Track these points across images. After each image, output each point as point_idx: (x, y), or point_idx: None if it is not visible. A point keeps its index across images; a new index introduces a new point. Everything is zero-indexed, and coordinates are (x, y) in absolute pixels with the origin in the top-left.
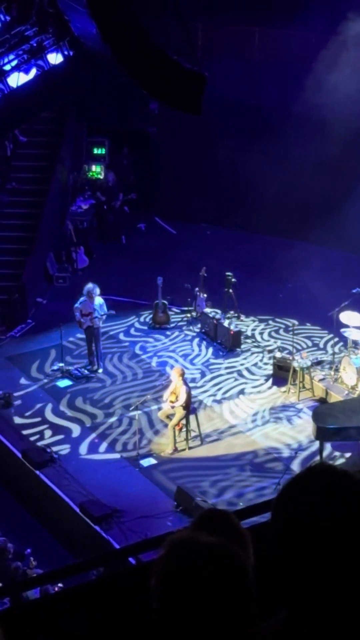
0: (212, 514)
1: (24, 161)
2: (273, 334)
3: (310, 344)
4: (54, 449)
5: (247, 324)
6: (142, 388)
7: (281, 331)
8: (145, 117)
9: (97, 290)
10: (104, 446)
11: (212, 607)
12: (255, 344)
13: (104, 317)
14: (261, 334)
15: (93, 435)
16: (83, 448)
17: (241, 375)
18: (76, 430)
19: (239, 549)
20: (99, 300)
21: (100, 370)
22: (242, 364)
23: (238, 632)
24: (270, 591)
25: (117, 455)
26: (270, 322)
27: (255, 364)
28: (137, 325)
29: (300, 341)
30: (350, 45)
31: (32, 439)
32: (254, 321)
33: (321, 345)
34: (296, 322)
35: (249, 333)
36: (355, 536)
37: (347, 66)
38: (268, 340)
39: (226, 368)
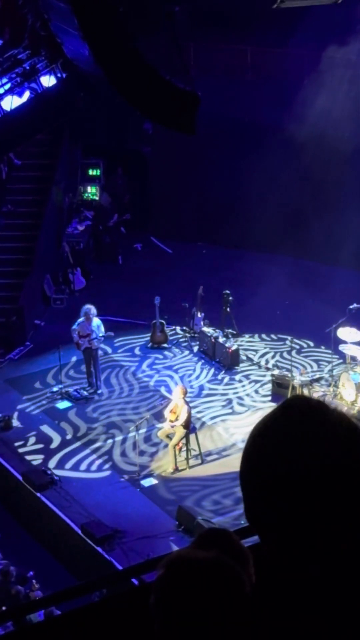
0: (212, 533)
1: (19, 184)
2: (285, 355)
3: (315, 366)
4: (55, 471)
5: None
6: (137, 406)
7: (294, 352)
8: (140, 138)
9: (94, 311)
10: (104, 466)
11: (210, 623)
12: (254, 362)
13: (102, 338)
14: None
15: (93, 456)
16: (82, 466)
17: (231, 403)
18: (75, 448)
19: (236, 564)
20: (96, 321)
21: (100, 391)
22: (236, 392)
23: None
24: (270, 610)
25: (115, 475)
26: (288, 341)
27: (247, 394)
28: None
29: (303, 362)
30: (341, 64)
31: (32, 461)
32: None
33: (326, 371)
34: (291, 338)
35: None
36: (336, 473)
37: (339, 85)
38: (278, 362)
39: (223, 391)
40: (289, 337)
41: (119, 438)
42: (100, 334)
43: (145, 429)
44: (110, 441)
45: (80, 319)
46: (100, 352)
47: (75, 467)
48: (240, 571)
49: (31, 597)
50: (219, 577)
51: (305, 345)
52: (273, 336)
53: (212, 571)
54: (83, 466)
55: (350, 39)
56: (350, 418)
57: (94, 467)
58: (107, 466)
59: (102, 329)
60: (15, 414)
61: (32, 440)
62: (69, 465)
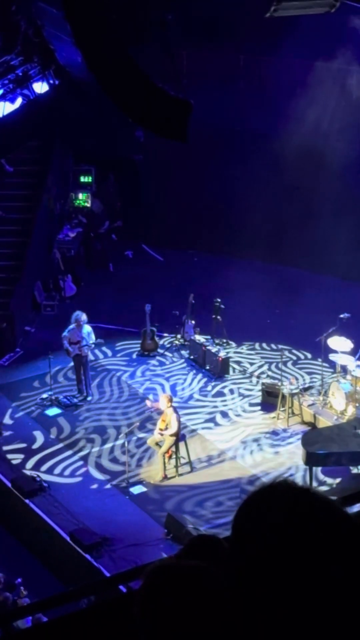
0: (201, 540)
1: (11, 190)
2: (280, 365)
3: (308, 379)
4: (43, 477)
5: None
6: (125, 412)
7: (289, 364)
8: (132, 145)
9: (85, 318)
10: (92, 472)
11: (193, 632)
12: (247, 374)
13: (93, 346)
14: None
15: (81, 463)
16: (69, 472)
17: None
18: (62, 455)
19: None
20: (87, 328)
21: (90, 398)
22: (224, 404)
23: None
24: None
25: (105, 482)
26: (287, 352)
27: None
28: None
29: (298, 374)
30: (333, 73)
31: (20, 468)
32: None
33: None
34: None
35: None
36: (320, 557)
37: (331, 94)
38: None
39: (212, 400)
40: (288, 348)
41: (107, 445)
42: (91, 342)
43: (134, 436)
44: (97, 448)
45: (71, 326)
46: (91, 357)
47: (63, 474)
48: (224, 580)
49: (19, 604)
50: (201, 585)
51: (302, 357)
52: (273, 346)
53: (194, 580)
54: (70, 472)
55: (342, 48)
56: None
57: (80, 474)
58: (95, 472)
59: (93, 336)
60: (4, 420)
61: (20, 446)
62: (57, 471)
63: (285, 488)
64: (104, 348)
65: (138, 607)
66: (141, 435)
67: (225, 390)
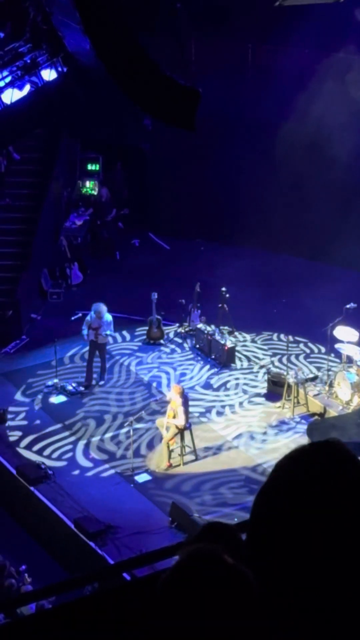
0: (216, 528)
1: (18, 177)
2: (291, 359)
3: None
4: (48, 463)
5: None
6: (132, 400)
7: (301, 357)
8: (139, 133)
9: (104, 309)
10: (97, 460)
11: (217, 626)
12: (255, 364)
13: (108, 337)
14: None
15: (90, 452)
16: (78, 461)
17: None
18: (68, 442)
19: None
20: (108, 317)
21: (102, 382)
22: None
23: None
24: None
25: (110, 469)
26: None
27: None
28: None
29: (309, 368)
30: (342, 63)
31: (26, 455)
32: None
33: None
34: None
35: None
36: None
37: (340, 84)
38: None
39: (216, 392)
40: (305, 341)
41: (111, 433)
42: (108, 332)
43: (131, 427)
44: (103, 435)
45: (92, 313)
46: (110, 340)
47: (68, 460)
48: (253, 581)
49: (22, 591)
50: (235, 585)
51: (316, 350)
52: (291, 338)
53: (234, 583)
54: (76, 459)
55: (350, 39)
56: None
57: (86, 461)
58: (100, 460)
59: (112, 327)
60: (10, 408)
61: (26, 433)
62: (62, 458)
63: (336, 445)
64: (124, 332)
65: (164, 589)
66: (140, 426)
67: (232, 380)
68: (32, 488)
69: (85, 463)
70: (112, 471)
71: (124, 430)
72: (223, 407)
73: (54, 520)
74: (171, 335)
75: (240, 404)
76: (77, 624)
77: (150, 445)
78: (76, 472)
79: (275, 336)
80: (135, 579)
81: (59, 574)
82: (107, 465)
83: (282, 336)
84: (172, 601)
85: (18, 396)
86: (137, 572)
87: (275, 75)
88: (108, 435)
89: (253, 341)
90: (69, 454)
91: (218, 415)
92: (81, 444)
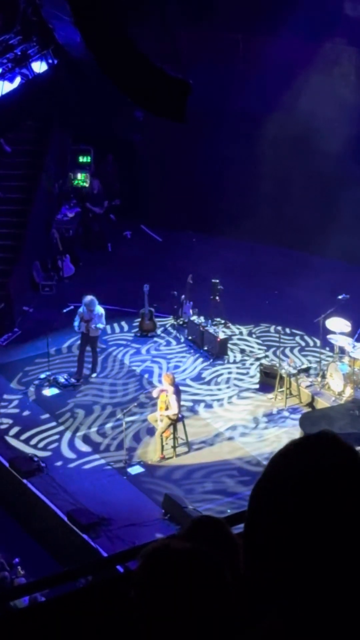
0: (204, 521)
1: (9, 170)
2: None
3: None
4: (39, 454)
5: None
6: (124, 391)
7: (296, 350)
8: (130, 125)
9: (95, 302)
10: (90, 451)
11: (188, 613)
12: (247, 354)
13: (99, 329)
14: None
15: (81, 444)
16: (67, 453)
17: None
18: (61, 435)
19: (222, 553)
20: (99, 310)
21: (94, 375)
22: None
23: (218, 638)
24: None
25: (102, 461)
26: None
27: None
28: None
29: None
30: (332, 54)
31: (19, 447)
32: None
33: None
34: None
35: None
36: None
37: (330, 75)
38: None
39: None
40: (301, 334)
41: (106, 425)
42: (99, 325)
43: (134, 416)
44: (97, 428)
45: (84, 306)
46: (108, 331)
47: (60, 453)
48: (220, 561)
49: (15, 584)
50: (195, 567)
51: (311, 344)
52: (287, 330)
53: (189, 562)
54: (67, 452)
55: (341, 29)
56: None
57: (78, 453)
58: (92, 452)
59: (104, 320)
60: (2, 401)
61: (18, 426)
62: (53, 450)
63: (330, 437)
64: (122, 323)
65: (134, 589)
66: (130, 418)
67: (224, 372)
68: (24, 481)
69: (69, 454)
70: (98, 462)
71: (109, 425)
72: (216, 399)
73: (47, 513)
74: (165, 327)
75: (233, 395)
76: (71, 616)
77: (137, 438)
78: (59, 463)
79: (272, 329)
80: (129, 571)
81: (52, 566)
82: (92, 457)
83: (276, 328)
84: (140, 599)
85: (11, 385)
86: (130, 564)
87: (265, 66)
88: (94, 428)
89: (251, 333)
90: (55, 444)
91: (211, 407)
92: (68, 435)
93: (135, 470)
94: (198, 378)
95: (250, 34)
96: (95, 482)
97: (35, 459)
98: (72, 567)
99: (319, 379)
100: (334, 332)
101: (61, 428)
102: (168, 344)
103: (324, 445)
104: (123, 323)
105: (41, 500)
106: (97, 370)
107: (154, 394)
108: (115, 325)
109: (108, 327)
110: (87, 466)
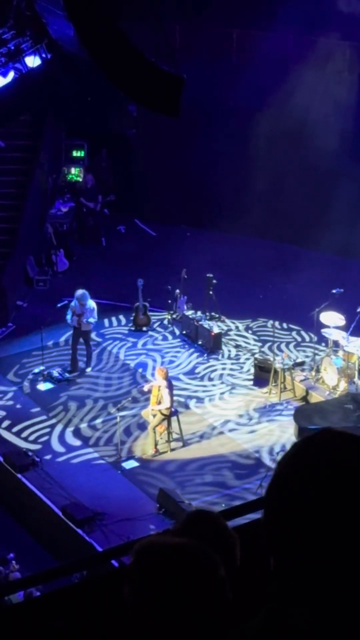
0: (199, 515)
1: (3, 164)
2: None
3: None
4: (31, 447)
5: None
6: (118, 385)
7: (291, 345)
8: (124, 120)
9: (87, 296)
10: (84, 446)
11: (183, 608)
12: (239, 347)
13: (91, 323)
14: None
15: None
16: (57, 447)
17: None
18: (55, 429)
19: (217, 548)
20: (91, 304)
21: (89, 369)
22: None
23: (214, 633)
24: (256, 593)
25: (95, 455)
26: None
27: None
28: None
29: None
30: (327, 49)
31: (13, 442)
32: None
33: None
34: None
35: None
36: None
37: (324, 69)
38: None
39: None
40: (298, 329)
41: (99, 419)
42: (91, 319)
43: (126, 411)
44: (91, 422)
45: (76, 300)
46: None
47: (55, 447)
48: (214, 556)
49: (10, 579)
50: (188, 562)
51: (307, 339)
52: (284, 325)
53: (181, 557)
54: (62, 447)
55: (336, 24)
56: None
57: (72, 447)
58: (82, 446)
59: (95, 314)
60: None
61: (12, 421)
62: (49, 445)
63: (336, 433)
64: (120, 316)
65: (127, 584)
66: (123, 413)
67: (218, 366)
68: (19, 475)
69: (59, 448)
70: (89, 456)
71: (100, 420)
72: (210, 394)
73: (42, 508)
74: (162, 321)
75: (227, 390)
76: (66, 611)
77: (130, 433)
78: (48, 456)
79: (269, 324)
80: (123, 566)
81: (47, 561)
82: (82, 451)
83: (274, 323)
84: (132, 595)
85: (8, 377)
86: (125, 559)
87: (259, 61)
88: (84, 424)
89: (249, 328)
90: (45, 437)
91: (205, 401)
92: (59, 428)
93: (129, 464)
94: (192, 373)
95: (244, 29)
96: (89, 476)
97: (30, 453)
98: (67, 561)
99: (313, 373)
100: (328, 326)
101: (53, 421)
102: (164, 338)
103: (332, 441)
104: (121, 317)
105: (36, 495)
106: (92, 364)
107: (145, 388)
108: (113, 318)
109: (106, 321)
110: (75, 460)
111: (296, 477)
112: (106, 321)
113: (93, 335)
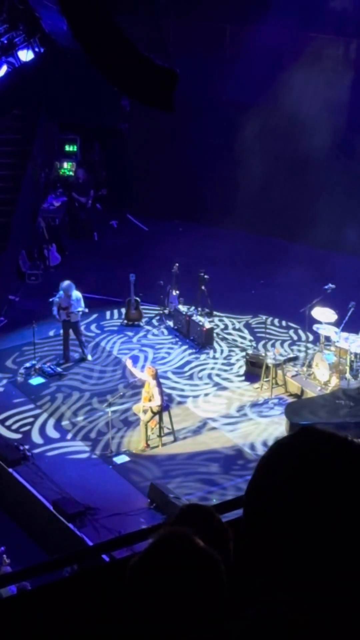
0: (193, 509)
1: None
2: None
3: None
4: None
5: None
6: (108, 380)
7: (286, 345)
8: (117, 114)
9: (72, 287)
10: (76, 441)
11: (187, 602)
12: (232, 343)
13: (80, 313)
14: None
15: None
16: (52, 441)
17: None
18: (46, 423)
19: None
20: (76, 294)
21: (90, 357)
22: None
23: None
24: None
25: (87, 451)
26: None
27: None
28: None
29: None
30: (320, 44)
31: (5, 435)
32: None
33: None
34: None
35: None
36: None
37: (317, 64)
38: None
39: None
40: (296, 327)
41: (92, 415)
42: (80, 308)
43: (119, 405)
44: (82, 417)
45: (60, 292)
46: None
47: (47, 442)
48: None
49: (1, 572)
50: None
51: (304, 338)
52: (283, 323)
53: (204, 565)
54: (53, 441)
55: (329, 19)
56: None
57: (65, 441)
58: (79, 441)
59: (82, 303)
60: None
61: (4, 416)
62: (41, 439)
63: (313, 431)
64: (115, 310)
65: (135, 570)
66: (114, 409)
67: (210, 361)
68: (10, 469)
69: (38, 439)
70: (72, 449)
71: (81, 418)
72: (201, 389)
73: (33, 502)
74: (157, 316)
75: (218, 385)
76: (58, 604)
77: (120, 428)
78: (26, 446)
79: (269, 321)
80: (114, 561)
81: (38, 555)
82: (62, 444)
83: (267, 319)
84: (143, 584)
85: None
86: (116, 553)
87: (253, 55)
88: (77, 417)
89: (247, 324)
90: (27, 427)
91: (197, 397)
92: (42, 420)
93: (120, 459)
94: (183, 368)
95: (237, 23)
96: (80, 471)
97: (21, 447)
98: (58, 555)
99: (305, 368)
100: (319, 322)
101: (38, 411)
102: (158, 334)
103: (308, 440)
104: (115, 311)
105: (27, 489)
106: (87, 352)
107: (137, 376)
108: (107, 313)
109: (108, 314)
110: (60, 451)
111: (272, 478)
112: (108, 314)
113: (93, 327)
